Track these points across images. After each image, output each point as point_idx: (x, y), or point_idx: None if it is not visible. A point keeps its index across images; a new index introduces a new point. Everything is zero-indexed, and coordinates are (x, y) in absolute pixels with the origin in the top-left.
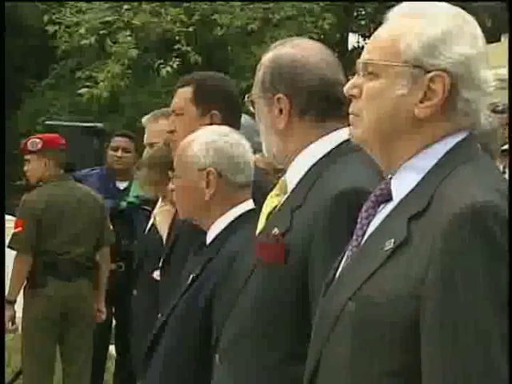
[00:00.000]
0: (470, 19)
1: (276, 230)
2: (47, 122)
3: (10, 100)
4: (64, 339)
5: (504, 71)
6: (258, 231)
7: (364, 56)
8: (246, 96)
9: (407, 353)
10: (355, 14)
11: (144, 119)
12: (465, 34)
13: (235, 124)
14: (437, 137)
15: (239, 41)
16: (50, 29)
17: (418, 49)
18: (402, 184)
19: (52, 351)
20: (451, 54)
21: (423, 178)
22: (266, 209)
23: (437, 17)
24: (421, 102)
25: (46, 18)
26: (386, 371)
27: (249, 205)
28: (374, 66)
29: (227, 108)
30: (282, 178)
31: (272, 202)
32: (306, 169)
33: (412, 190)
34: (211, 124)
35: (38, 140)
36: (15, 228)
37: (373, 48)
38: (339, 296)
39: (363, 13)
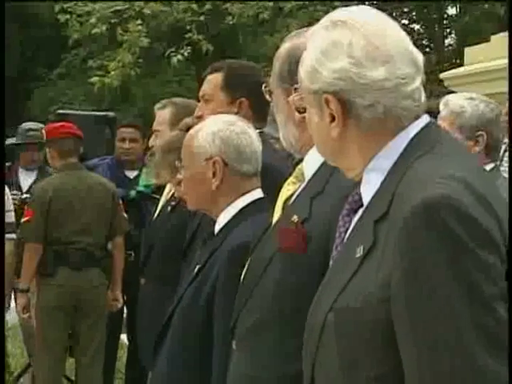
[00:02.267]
0: (354, 25)
1: (295, 217)
2: (59, 111)
3: (22, 90)
4: (76, 329)
5: None
6: (275, 219)
7: None
8: (263, 85)
9: (389, 356)
10: (366, 3)
11: (155, 106)
12: (339, 47)
13: (263, 113)
14: (372, 148)
15: (251, 30)
16: (61, 18)
17: (306, 76)
18: (368, 188)
19: (64, 340)
20: (327, 73)
21: (384, 179)
22: (282, 196)
23: (315, 37)
24: (330, 123)
25: (57, 7)
26: (373, 376)
27: (257, 194)
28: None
29: (256, 97)
30: (299, 166)
31: (288, 189)
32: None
33: (376, 193)
34: (238, 112)
35: (42, 131)
36: (24, 217)
37: None
38: (321, 307)
39: (374, 2)
